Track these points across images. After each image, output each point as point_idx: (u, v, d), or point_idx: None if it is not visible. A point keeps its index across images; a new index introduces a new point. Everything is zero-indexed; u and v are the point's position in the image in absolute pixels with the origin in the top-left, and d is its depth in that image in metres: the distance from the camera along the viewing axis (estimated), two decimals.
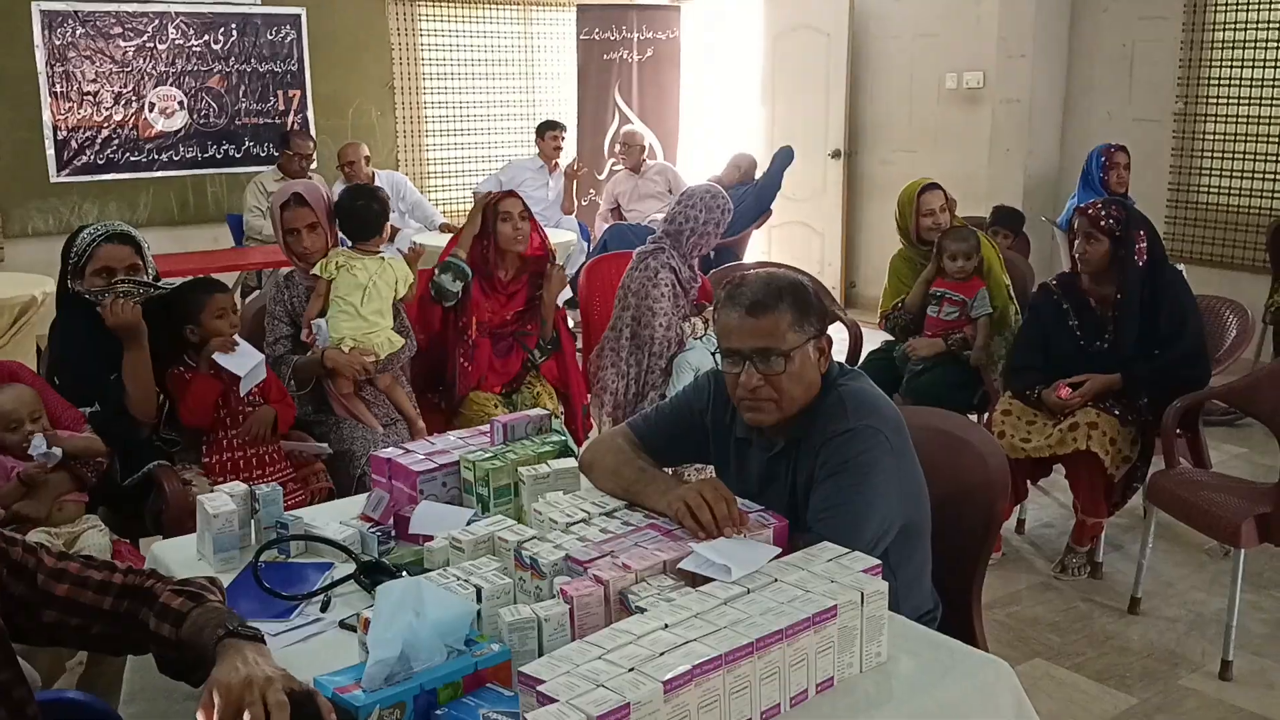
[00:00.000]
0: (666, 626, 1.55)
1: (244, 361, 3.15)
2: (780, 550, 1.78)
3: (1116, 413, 3.64)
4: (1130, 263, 3.66)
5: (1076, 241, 3.73)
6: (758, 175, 7.28)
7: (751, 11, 8.76)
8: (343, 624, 1.89)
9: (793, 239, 8.44)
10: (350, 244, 3.69)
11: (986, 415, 3.96)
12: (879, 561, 1.72)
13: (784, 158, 7.06)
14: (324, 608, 1.96)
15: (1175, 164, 6.71)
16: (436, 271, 3.86)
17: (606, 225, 7.36)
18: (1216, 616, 3.46)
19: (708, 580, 1.69)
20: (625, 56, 8.68)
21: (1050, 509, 4.38)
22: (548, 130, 7.48)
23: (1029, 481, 3.94)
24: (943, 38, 7.48)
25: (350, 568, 2.04)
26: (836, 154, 8.12)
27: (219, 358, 3.12)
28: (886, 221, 7.58)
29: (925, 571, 2.15)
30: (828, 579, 1.67)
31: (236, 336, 3.20)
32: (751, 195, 7.10)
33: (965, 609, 2.29)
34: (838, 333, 4.69)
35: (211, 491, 2.70)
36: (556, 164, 7.53)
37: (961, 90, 7.41)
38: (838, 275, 8.21)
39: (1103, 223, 3.66)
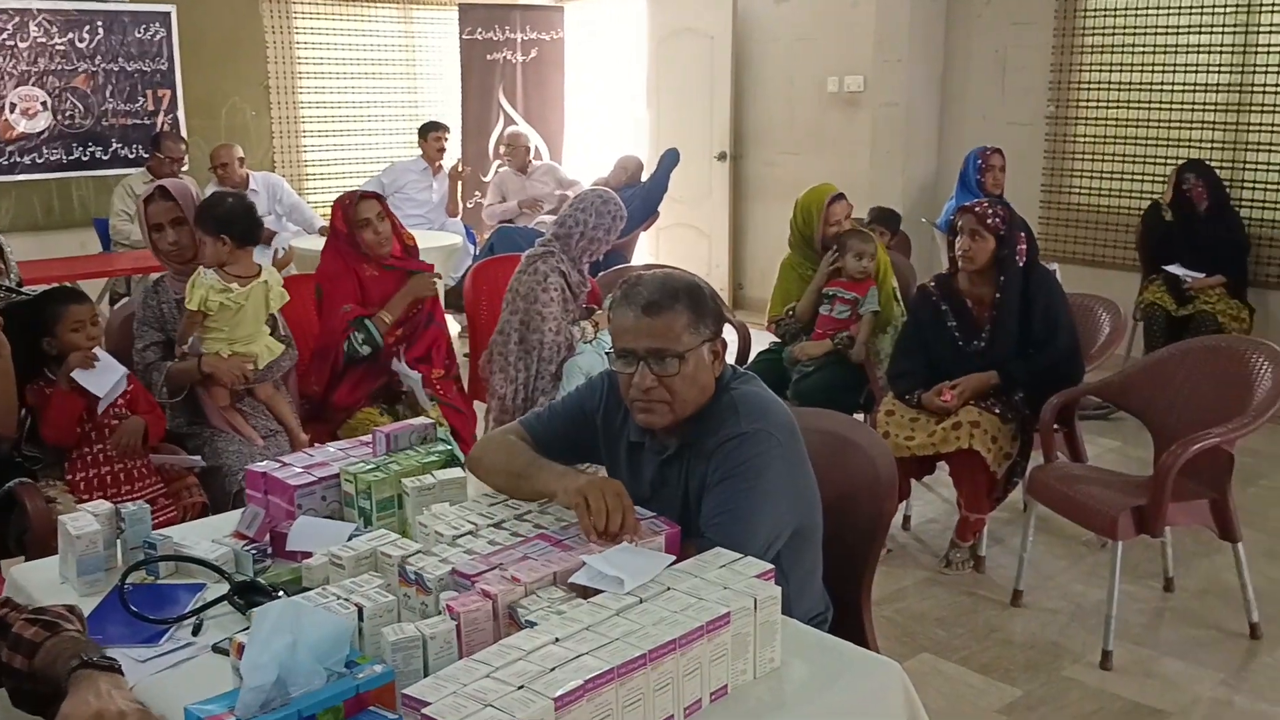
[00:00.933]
0: (557, 640, 1.51)
1: (103, 379, 3.01)
2: (673, 558, 1.75)
3: (997, 411, 3.71)
4: (1011, 263, 3.74)
5: (960, 239, 3.79)
6: (644, 177, 7.28)
7: (635, 14, 8.77)
8: (216, 648, 1.80)
9: (680, 241, 8.47)
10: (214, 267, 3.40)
11: (872, 415, 4.01)
12: (772, 566, 1.71)
13: (670, 160, 7.07)
14: (196, 631, 1.86)
15: (1047, 166, 6.91)
16: (350, 329, 3.74)
17: (493, 221, 7.28)
18: (1096, 607, 3.56)
19: (599, 591, 1.65)
20: (509, 57, 8.60)
21: (934, 505, 4.46)
22: (430, 131, 7.37)
23: (913, 479, 4.00)
24: (822, 42, 7.58)
25: (224, 588, 1.95)
26: (722, 156, 8.17)
27: (77, 375, 2.97)
28: (773, 223, 7.68)
29: (816, 574, 2.14)
30: (721, 586, 1.65)
31: (98, 350, 3.04)
32: (638, 198, 7.09)
33: (856, 609, 2.29)
34: (726, 334, 4.73)
35: (75, 510, 2.57)
36: (440, 166, 7.42)
37: (842, 94, 7.52)
38: (725, 277, 8.26)
39: (989, 221, 3.74)
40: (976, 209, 3.81)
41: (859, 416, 4.15)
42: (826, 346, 4.29)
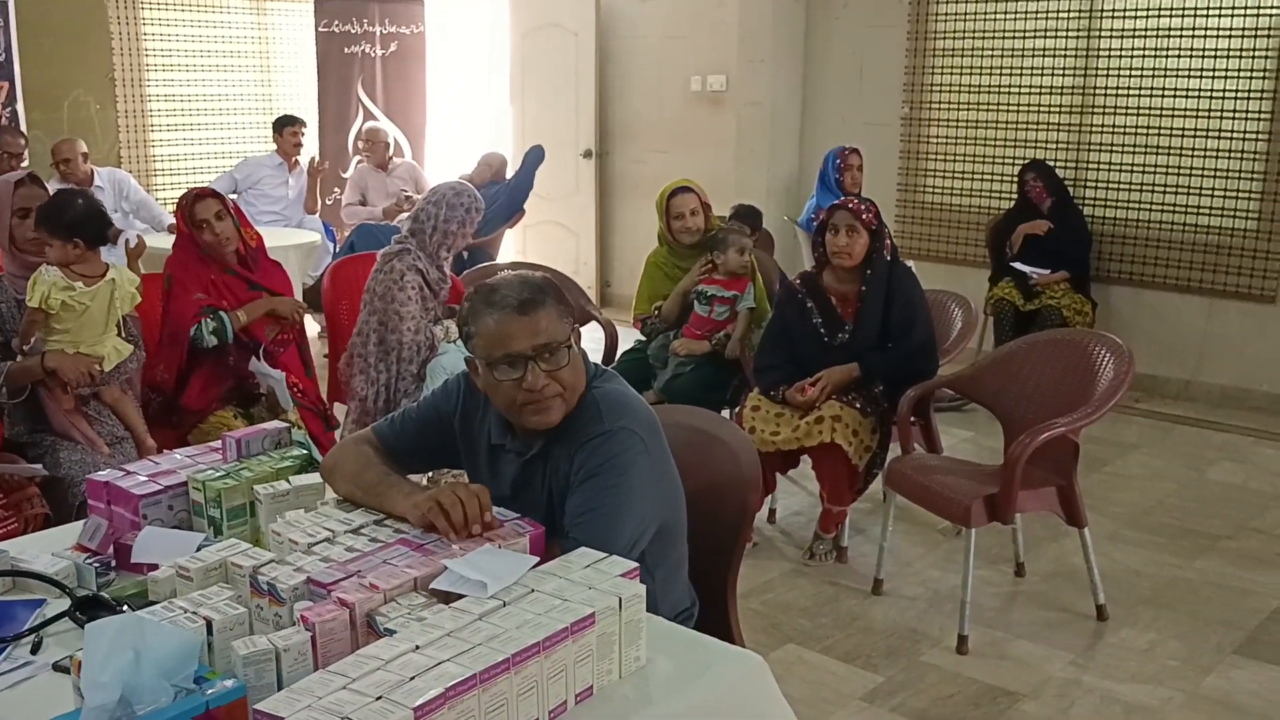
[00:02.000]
0: (418, 648, 1.47)
1: None
2: (537, 559, 1.73)
3: (858, 405, 3.79)
4: (880, 258, 3.82)
5: (835, 236, 3.84)
6: (509, 174, 7.23)
7: (498, 8, 8.69)
8: (56, 666, 1.71)
9: (547, 239, 8.43)
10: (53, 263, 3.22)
11: (738, 411, 4.05)
12: (637, 565, 1.70)
13: (535, 157, 7.04)
14: (35, 649, 1.77)
15: (903, 165, 7.11)
16: (202, 315, 3.58)
17: (355, 221, 7.12)
18: (952, 593, 3.67)
19: (462, 596, 1.62)
20: (368, 50, 8.43)
21: (799, 498, 4.54)
22: (286, 126, 7.17)
23: (778, 473, 4.07)
24: (688, 40, 7.64)
25: (65, 604, 1.85)
26: (588, 153, 8.16)
27: None
28: (640, 221, 7.72)
29: (682, 569, 2.15)
30: (585, 586, 1.63)
31: None
32: (504, 194, 7.04)
33: (721, 603, 2.31)
34: (594, 332, 4.74)
35: None
36: (296, 161, 7.23)
37: (706, 93, 7.59)
38: (593, 274, 8.26)
39: (864, 216, 3.81)
40: (850, 205, 3.89)
41: (724, 413, 4.19)
42: (705, 346, 4.31)
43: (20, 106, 7.26)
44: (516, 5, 8.43)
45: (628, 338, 4.81)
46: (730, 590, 2.32)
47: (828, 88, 7.43)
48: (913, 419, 3.84)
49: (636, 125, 8.06)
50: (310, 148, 7.61)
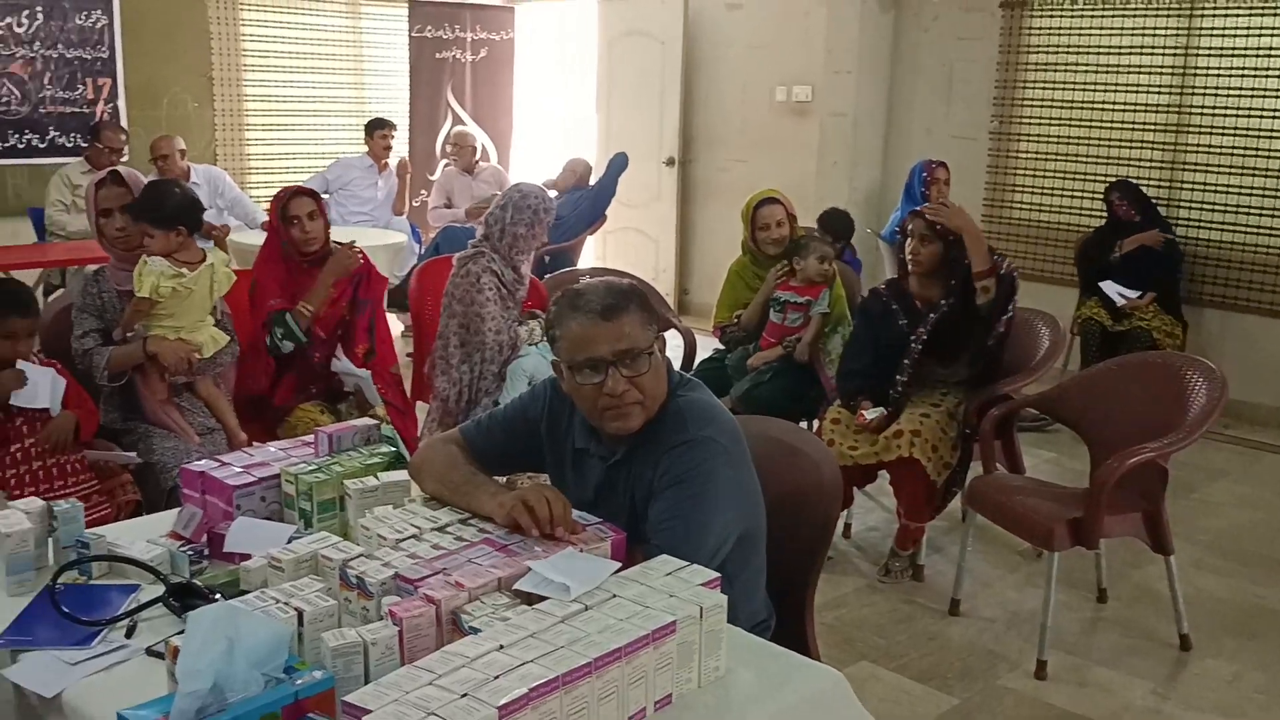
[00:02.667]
0: (501, 648, 1.49)
1: (38, 391, 2.96)
2: (619, 565, 1.75)
3: (938, 420, 3.75)
4: (960, 264, 3.77)
5: (910, 243, 3.83)
6: (593, 181, 7.27)
7: (586, 16, 8.75)
8: (150, 651, 1.76)
9: (627, 245, 8.47)
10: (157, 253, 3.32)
11: (817, 423, 4.03)
12: (718, 575, 1.71)
13: (619, 164, 7.07)
14: (129, 634, 1.82)
15: (990, 180, 7.01)
16: (271, 322, 3.65)
17: (440, 223, 7.22)
18: (1031, 616, 3.61)
19: (544, 598, 1.64)
20: (459, 56, 8.55)
21: (875, 514, 4.50)
22: (377, 129, 7.30)
23: (855, 487, 4.04)
24: (774, 50, 7.62)
25: (158, 590, 1.91)
26: (671, 161, 8.18)
27: (16, 400, 2.93)
28: (720, 229, 7.72)
29: (760, 581, 2.15)
30: (667, 594, 1.64)
31: (21, 364, 2.97)
32: (586, 201, 7.09)
33: (798, 616, 2.30)
34: (672, 339, 4.74)
35: (5, 508, 2.50)
36: (386, 163, 7.35)
37: (791, 102, 7.57)
38: (672, 282, 8.27)
39: (938, 226, 3.78)
40: (926, 214, 3.85)
41: (803, 425, 4.17)
42: (778, 352, 4.30)
43: (121, 103, 7.51)
44: (605, 13, 8.49)
45: (706, 346, 4.81)
46: (808, 604, 2.31)
47: (914, 100, 7.36)
48: (995, 438, 3.78)
49: (720, 133, 8.06)
50: (400, 150, 7.74)
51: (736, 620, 1.83)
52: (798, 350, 4.27)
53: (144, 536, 2.09)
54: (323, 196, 4.40)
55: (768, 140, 7.73)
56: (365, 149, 7.36)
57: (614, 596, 1.64)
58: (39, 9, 7.07)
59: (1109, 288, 5.85)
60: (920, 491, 3.79)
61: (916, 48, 7.28)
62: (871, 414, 3.77)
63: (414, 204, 7.94)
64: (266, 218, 6.99)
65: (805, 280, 4.32)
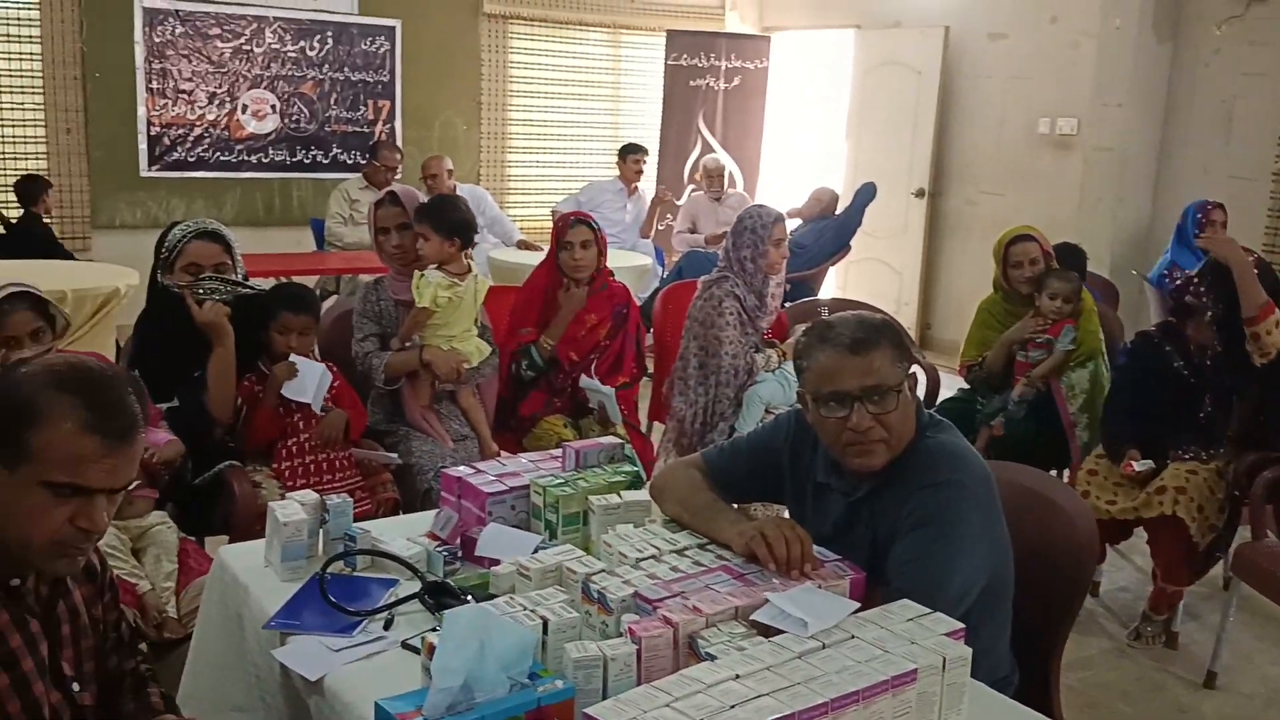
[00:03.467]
0: (738, 677, 1.50)
1: (306, 385, 3.17)
2: (858, 605, 1.72)
3: (1205, 477, 3.51)
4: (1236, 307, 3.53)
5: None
6: (838, 210, 7.22)
7: (842, 45, 8.71)
8: (405, 644, 1.86)
9: (870, 276, 8.35)
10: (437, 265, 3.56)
11: (1067, 472, 3.85)
12: (963, 625, 1.65)
13: (866, 194, 6.99)
14: (387, 626, 1.93)
15: (1271, 225, 6.50)
16: (518, 353, 3.86)
17: (684, 248, 7.34)
18: None
19: (781, 631, 1.64)
20: (712, 83, 8.68)
21: (1126, 572, 4.24)
22: (630, 154, 7.48)
23: (1108, 543, 3.82)
24: (1037, 81, 7.36)
25: (415, 586, 2.02)
26: (920, 193, 8.02)
27: (287, 391, 3.16)
28: (968, 263, 7.51)
29: (1005, 635, 2.07)
30: (908, 640, 1.60)
31: (295, 358, 3.20)
32: (831, 230, 7.04)
33: (1043, 676, 2.20)
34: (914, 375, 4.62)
35: (281, 497, 2.71)
36: (636, 187, 7.53)
37: (1054, 136, 7.28)
38: (914, 316, 8.10)
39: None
40: (1198, 242, 3.63)
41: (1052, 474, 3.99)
42: (1021, 389, 4.14)
43: (398, 124, 8.03)
44: (862, 43, 8.42)
45: (949, 385, 4.68)
46: (1054, 664, 2.21)
47: (1190, 136, 6.92)
48: (1268, 501, 3.50)
49: (973, 165, 7.84)
50: (649, 175, 7.92)
51: (977, 674, 1.77)
52: (1031, 373, 4.09)
53: (403, 534, 2.21)
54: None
55: (1025, 174, 7.45)
56: (616, 173, 7.56)
57: (852, 637, 1.62)
58: (329, 34, 7.65)
59: None
60: (1181, 553, 3.55)
61: (1195, 81, 6.86)
62: (1140, 466, 3.57)
63: (659, 227, 8.11)
64: (523, 236, 7.37)
65: (1043, 318, 4.13)
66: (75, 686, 1.60)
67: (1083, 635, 3.73)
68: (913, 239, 8.15)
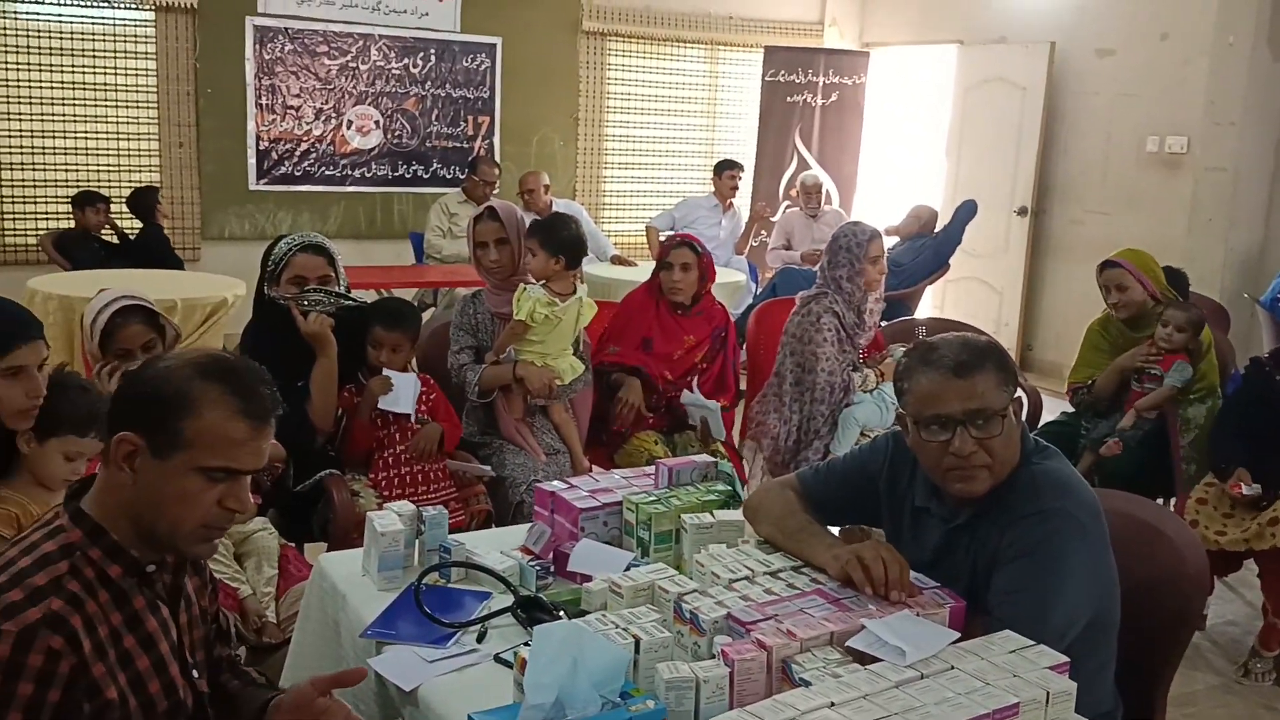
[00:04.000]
0: (833, 705, 1.48)
1: (399, 395, 3.23)
2: (957, 634, 1.68)
3: None
4: None
5: None
6: (937, 228, 7.11)
7: (944, 61, 8.59)
8: (497, 658, 1.87)
9: (969, 295, 8.20)
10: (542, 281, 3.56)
11: (1174, 501, 3.73)
12: (1067, 659, 1.60)
13: (967, 212, 6.87)
14: (480, 638, 1.94)
15: None
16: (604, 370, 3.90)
17: (778, 264, 7.30)
18: None
19: (877, 659, 1.60)
20: (809, 100, 8.63)
21: (1235, 605, 4.08)
22: (725, 169, 7.46)
23: (1216, 575, 3.68)
24: (1146, 99, 7.17)
25: (507, 599, 2.03)
26: (1023, 211, 7.86)
27: (383, 404, 3.21)
28: (1072, 283, 7.34)
29: (1109, 669, 1.99)
30: (1010, 672, 1.56)
31: (387, 371, 3.25)
32: (930, 249, 6.93)
33: (1147, 712, 2.13)
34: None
35: (378, 506, 2.75)
36: (731, 203, 7.51)
37: (1163, 154, 7.08)
38: (1014, 336, 7.92)
39: None
40: None
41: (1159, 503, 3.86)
42: (1132, 419, 4.01)
43: (496, 139, 8.13)
44: (964, 59, 8.30)
45: (1052, 408, 4.56)
46: (1159, 701, 2.13)
47: None
48: None
49: (1078, 184, 7.66)
50: (744, 191, 7.89)
51: (1080, 709, 1.71)
52: (1140, 401, 3.96)
53: (497, 547, 2.23)
54: (668, 232, 4.55)
55: (1132, 193, 7.26)
56: (711, 188, 7.55)
57: (951, 668, 1.58)
58: (432, 52, 7.79)
59: None
60: None
61: None
62: (1249, 490, 3.44)
63: (753, 243, 8.07)
64: (617, 252, 7.39)
65: (1156, 348, 4.00)
66: (194, 673, 1.65)
67: (1189, 670, 3.60)
68: (1014, 258, 7.98)
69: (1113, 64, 7.38)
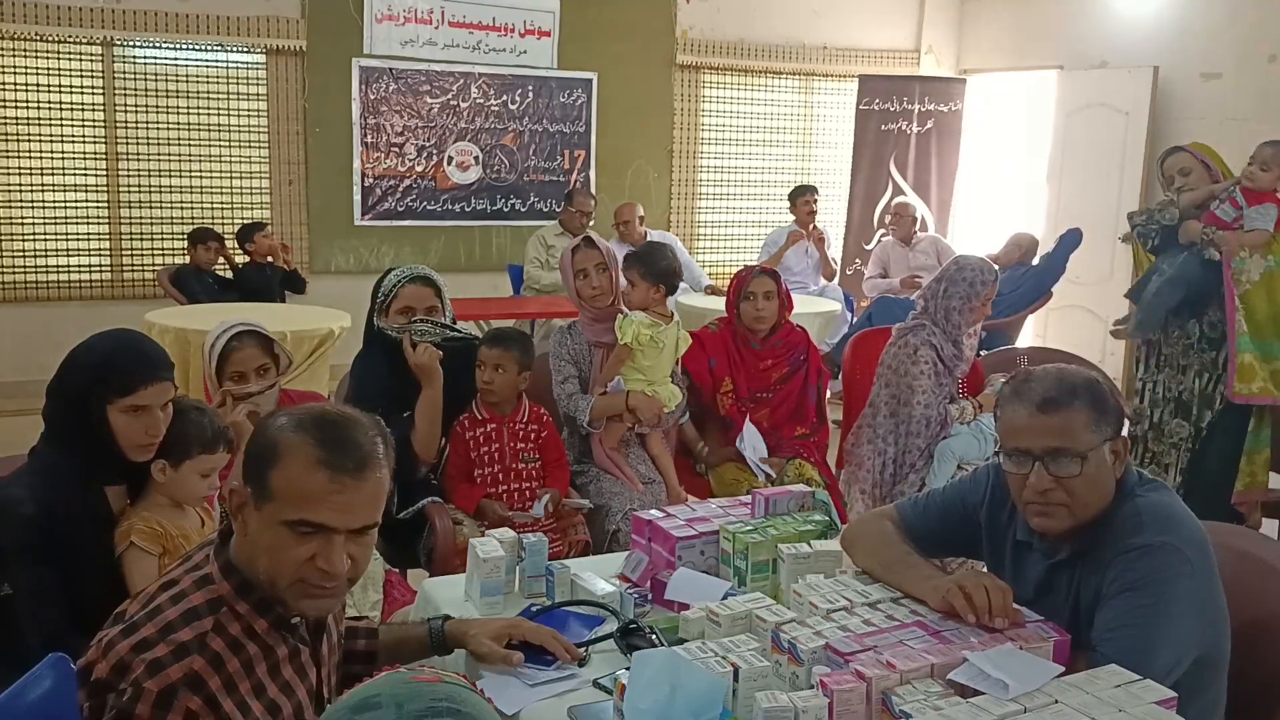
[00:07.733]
0: None
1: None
2: (1062, 669, 1.66)
3: None
4: None
5: None
6: (1038, 256, 7.00)
7: (1044, 87, 8.48)
8: (596, 683, 1.90)
9: (1071, 324, 8.04)
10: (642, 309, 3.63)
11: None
12: (1174, 695, 1.58)
13: (1072, 240, 6.75)
14: (581, 663, 1.97)
15: None
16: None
17: (874, 293, 7.25)
18: None
19: (980, 692, 1.60)
20: (904, 127, 8.58)
21: None
22: (800, 195, 7.44)
23: None
24: (1254, 124, 6.96)
25: (612, 626, 2.06)
26: (1127, 238, 7.68)
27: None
28: None
29: (1218, 711, 1.94)
30: (1115, 707, 1.54)
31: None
32: (1031, 278, 6.83)
33: None
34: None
35: (480, 534, 2.81)
36: (814, 228, 7.47)
37: None
38: (1120, 365, 7.74)
39: None
40: None
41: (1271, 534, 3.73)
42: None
43: (592, 171, 8.25)
44: (1065, 84, 8.18)
45: None
46: None
47: None
48: None
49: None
50: (838, 219, 7.84)
51: None
52: (1230, 236, 3.83)
53: (599, 573, 2.27)
54: None
55: None
56: (792, 218, 7.53)
57: (1055, 702, 1.57)
58: (530, 88, 7.95)
59: None
60: None
61: None
62: None
63: (848, 272, 8.03)
64: (711, 282, 7.42)
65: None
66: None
67: None
68: (1119, 285, 7.79)
69: (1218, 88, 7.21)
